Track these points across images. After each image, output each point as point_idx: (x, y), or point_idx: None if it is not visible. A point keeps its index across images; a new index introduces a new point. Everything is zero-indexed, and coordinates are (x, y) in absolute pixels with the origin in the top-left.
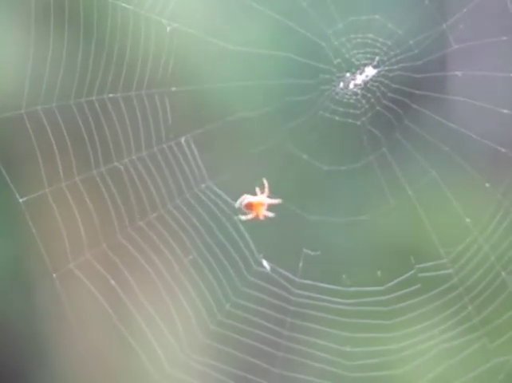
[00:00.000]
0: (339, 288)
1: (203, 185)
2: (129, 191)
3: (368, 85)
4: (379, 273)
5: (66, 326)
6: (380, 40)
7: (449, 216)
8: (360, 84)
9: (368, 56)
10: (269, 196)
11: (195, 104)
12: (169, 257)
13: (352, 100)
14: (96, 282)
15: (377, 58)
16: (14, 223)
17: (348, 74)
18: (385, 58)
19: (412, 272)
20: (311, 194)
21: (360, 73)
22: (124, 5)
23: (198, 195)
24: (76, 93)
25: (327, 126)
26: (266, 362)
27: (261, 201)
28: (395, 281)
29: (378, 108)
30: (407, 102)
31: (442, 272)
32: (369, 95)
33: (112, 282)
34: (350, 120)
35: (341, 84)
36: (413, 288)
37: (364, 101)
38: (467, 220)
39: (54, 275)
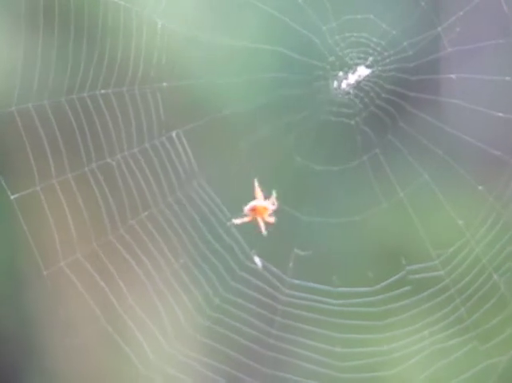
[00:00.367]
0: (329, 288)
1: (195, 182)
2: (121, 188)
3: (362, 85)
4: (370, 274)
5: (57, 325)
6: (374, 40)
7: (441, 218)
8: (352, 84)
9: (362, 55)
10: (272, 202)
11: (187, 100)
12: (160, 255)
13: (345, 100)
14: (88, 280)
15: (371, 58)
16: (6, 221)
17: (341, 73)
18: (379, 58)
19: (403, 273)
20: (303, 194)
21: (353, 73)
22: (115, 0)
23: (189, 192)
24: (68, 90)
25: (320, 125)
26: (255, 361)
27: (265, 206)
28: (386, 282)
29: (372, 108)
30: (402, 103)
31: (433, 274)
32: (362, 95)
33: (102, 283)
34: (343, 120)
35: (335, 83)
36: (404, 289)
37: (357, 101)
38: (459, 222)
39: (45, 273)
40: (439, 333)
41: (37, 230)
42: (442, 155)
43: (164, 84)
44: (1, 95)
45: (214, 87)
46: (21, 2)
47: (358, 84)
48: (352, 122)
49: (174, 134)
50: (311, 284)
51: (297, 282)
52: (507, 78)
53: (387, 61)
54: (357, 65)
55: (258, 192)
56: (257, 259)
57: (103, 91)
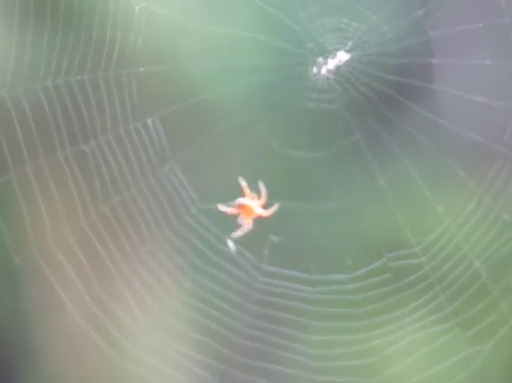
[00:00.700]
0: (306, 275)
1: (167, 166)
2: (94, 174)
3: (342, 70)
4: (349, 261)
5: (47, 313)
6: (354, 24)
7: (421, 205)
8: (332, 70)
9: (341, 40)
10: (264, 206)
11: (163, 85)
12: (128, 242)
13: (324, 85)
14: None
15: (350, 43)
16: None
17: (320, 59)
18: (359, 43)
19: (383, 260)
20: (281, 180)
21: (333, 58)
22: None
23: (161, 178)
24: (43, 76)
25: (299, 111)
26: (229, 348)
27: (253, 208)
28: (365, 269)
29: (352, 93)
30: (382, 88)
31: (413, 261)
32: (342, 80)
33: (73, 272)
34: (323, 106)
35: (314, 69)
36: (383, 277)
37: (337, 86)
38: (440, 209)
39: (17, 260)
40: (419, 321)
41: (10, 218)
42: (422, 141)
43: (141, 69)
44: None
45: (190, 72)
46: None
47: (338, 70)
48: (333, 107)
49: (149, 119)
50: (287, 271)
51: (272, 269)
52: (487, 62)
53: (367, 45)
54: (337, 50)
55: (248, 192)
56: (230, 243)
57: (78, 77)
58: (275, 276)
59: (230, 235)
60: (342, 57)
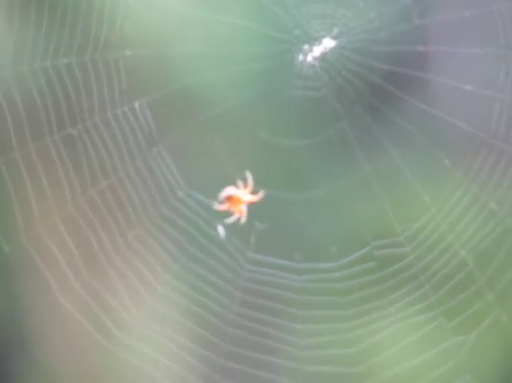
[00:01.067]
0: (292, 264)
1: (154, 149)
2: (82, 159)
3: (328, 57)
4: (334, 249)
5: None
6: (340, 11)
7: (407, 193)
8: (318, 57)
9: (328, 27)
10: (252, 192)
11: (150, 69)
12: (120, 224)
13: (310, 73)
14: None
15: (336, 30)
16: None
17: (306, 46)
18: (345, 30)
19: (368, 249)
20: (267, 167)
21: (318, 45)
22: None
23: (149, 161)
24: (30, 59)
25: (285, 99)
26: (215, 335)
27: (241, 197)
28: (350, 257)
29: (338, 80)
30: (369, 76)
31: (398, 249)
32: (328, 67)
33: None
34: (309, 93)
35: (300, 57)
36: (368, 265)
37: (323, 74)
38: (426, 198)
39: (6, 249)
40: (404, 310)
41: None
42: (409, 130)
43: (128, 52)
44: None
45: (176, 58)
46: None
47: (324, 57)
48: (319, 94)
49: (137, 104)
50: (274, 259)
51: (259, 256)
52: (475, 50)
53: (353, 32)
54: (323, 36)
55: (234, 182)
56: (220, 229)
57: (66, 60)
58: (262, 264)
59: (222, 221)
60: (328, 43)
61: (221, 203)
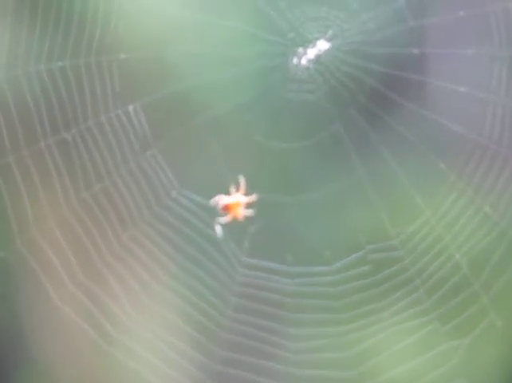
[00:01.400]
0: (285, 267)
1: (149, 152)
2: (76, 162)
3: (322, 60)
4: (327, 253)
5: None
6: (334, 13)
7: (401, 196)
8: (312, 59)
9: (322, 29)
10: (245, 194)
11: (144, 73)
12: (114, 226)
13: (304, 76)
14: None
15: (330, 32)
16: None
17: (300, 49)
18: (339, 32)
19: (362, 253)
20: (261, 170)
21: (312, 47)
22: None
23: (143, 164)
24: (25, 62)
25: (280, 102)
26: (209, 339)
27: (237, 201)
28: (344, 261)
29: (332, 82)
30: (363, 78)
31: (392, 253)
32: (323, 69)
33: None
34: (304, 96)
35: (294, 60)
36: (363, 269)
37: (317, 76)
38: (419, 201)
39: (1, 254)
40: (399, 314)
41: None
42: (403, 132)
43: (122, 55)
44: None
45: (170, 61)
46: None
47: (318, 59)
48: (312, 97)
49: (131, 107)
50: (267, 263)
51: (253, 260)
52: (469, 51)
53: (347, 34)
54: (317, 39)
55: (242, 189)
56: (218, 228)
57: (60, 63)
58: (255, 268)
59: (218, 220)
60: (322, 46)
61: (223, 216)
